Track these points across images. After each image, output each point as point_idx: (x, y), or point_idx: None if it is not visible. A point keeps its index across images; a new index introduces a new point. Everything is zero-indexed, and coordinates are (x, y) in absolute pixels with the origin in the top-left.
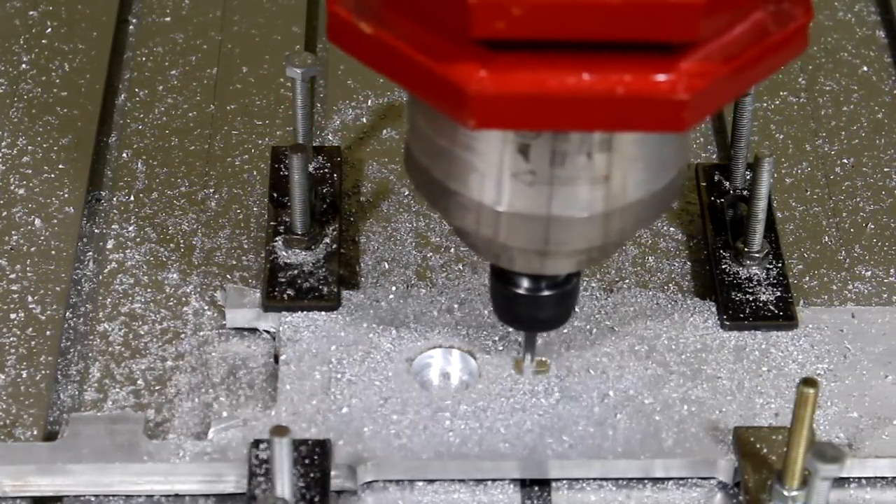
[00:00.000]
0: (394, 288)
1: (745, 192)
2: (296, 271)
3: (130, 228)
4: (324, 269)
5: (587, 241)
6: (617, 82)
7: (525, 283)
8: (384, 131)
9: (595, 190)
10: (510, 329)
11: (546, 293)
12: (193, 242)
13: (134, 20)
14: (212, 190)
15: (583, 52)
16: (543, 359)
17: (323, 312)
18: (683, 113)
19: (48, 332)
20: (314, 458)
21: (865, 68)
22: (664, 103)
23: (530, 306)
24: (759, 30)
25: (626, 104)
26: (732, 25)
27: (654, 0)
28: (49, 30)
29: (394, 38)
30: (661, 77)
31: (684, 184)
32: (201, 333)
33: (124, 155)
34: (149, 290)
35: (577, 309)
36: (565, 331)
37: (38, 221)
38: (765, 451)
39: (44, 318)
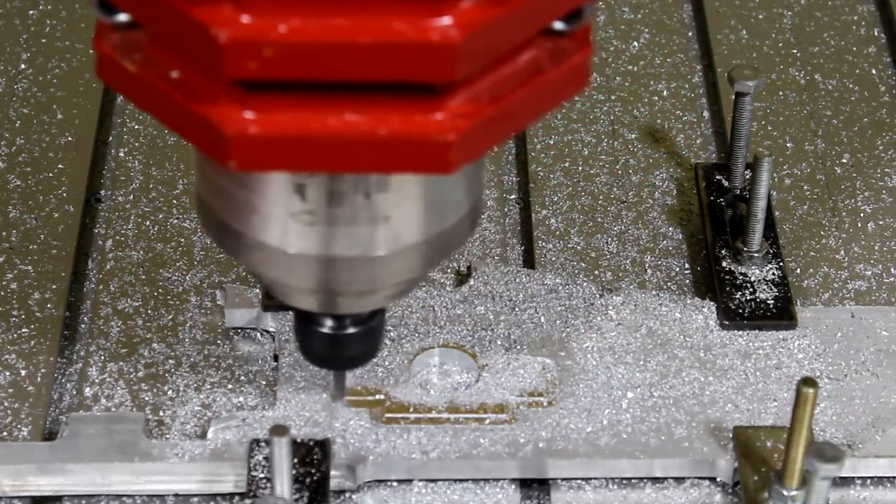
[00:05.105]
0: None
1: (744, 192)
2: None
3: (129, 227)
4: None
5: (374, 282)
6: (380, 123)
7: (327, 321)
8: None
9: (377, 230)
10: (510, 328)
11: (348, 331)
12: (193, 241)
13: None
14: None
15: (348, 92)
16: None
17: None
18: (449, 154)
19: (48, 332)
20: (314, 458)
21: (865, 68)
22: (429, 144)
23: (332, 345)
24: (533, 68)
25: (390, 145)
26: (502, 64)
27: (406, 40)
28: (48, 29)
29: (155, 77)
30: (425, 118)
31: (478, 220)
32: (200, 333)
33: (122, 153)
34: (148, 288)
35: (577, 308)
36: (565, 331)
37: (36, 220)
38: (765, 450)
39: (43, 317)
